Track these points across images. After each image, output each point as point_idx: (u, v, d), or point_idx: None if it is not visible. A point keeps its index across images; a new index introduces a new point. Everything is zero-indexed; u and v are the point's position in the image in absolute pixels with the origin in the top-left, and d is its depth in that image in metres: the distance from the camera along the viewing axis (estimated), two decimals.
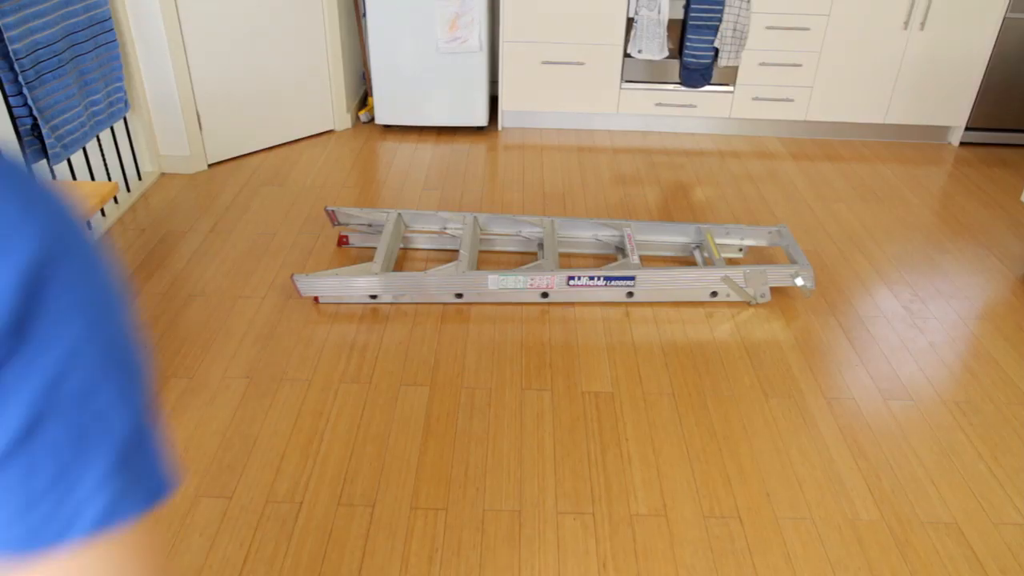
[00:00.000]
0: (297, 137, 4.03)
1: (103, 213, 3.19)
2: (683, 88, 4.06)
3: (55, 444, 0.35)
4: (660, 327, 2.62)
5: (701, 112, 4.13)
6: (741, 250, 3.05)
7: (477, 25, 3.81)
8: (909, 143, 4.26)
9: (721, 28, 3.84)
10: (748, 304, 2.75)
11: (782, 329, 2.63)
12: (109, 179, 3.25)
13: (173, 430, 2.16)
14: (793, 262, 2.77)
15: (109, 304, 0.38)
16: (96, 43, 3.01)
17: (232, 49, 3.59)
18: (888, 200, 3.58)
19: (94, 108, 3.01)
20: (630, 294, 2.71)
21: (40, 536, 0.35)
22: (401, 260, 3.00)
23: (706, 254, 2.89)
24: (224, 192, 3.47)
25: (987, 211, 3.51)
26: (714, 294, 2.74)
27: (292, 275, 2.70)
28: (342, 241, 3.06)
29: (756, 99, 4.08)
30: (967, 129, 4.18)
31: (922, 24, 3.87)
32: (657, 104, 4.11)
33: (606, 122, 4.27)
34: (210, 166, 3.72)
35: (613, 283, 2.68)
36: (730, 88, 4.06)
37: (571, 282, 2.66)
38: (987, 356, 2.53)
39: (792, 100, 4.08)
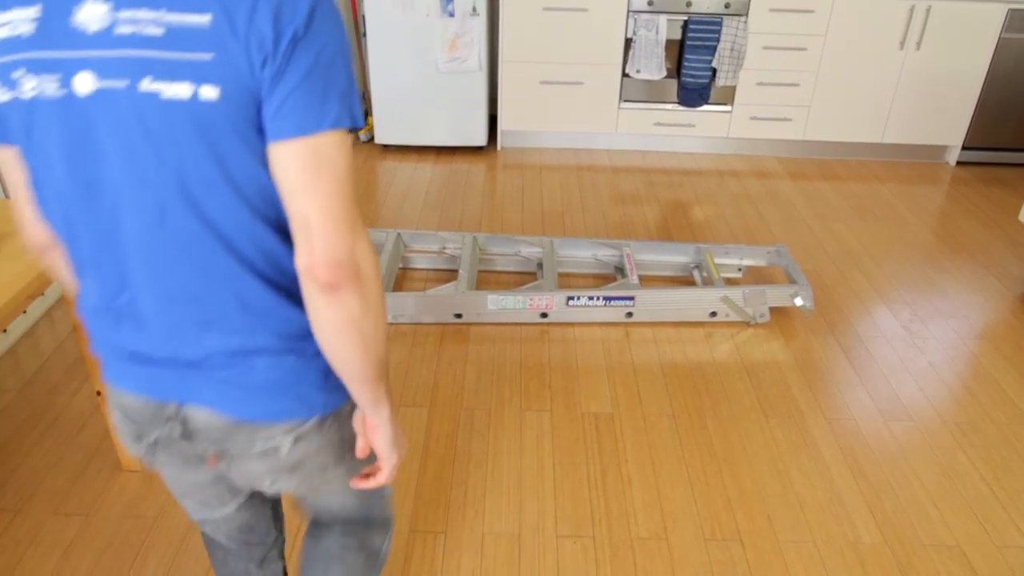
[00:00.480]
0: None
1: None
2: (681, 108, 4.07)
3: (319, 80, 0.81)
4: (660, 347, 2.62)
5: (699, 131, 4.15)
6: (740, 270, 3.05)
7: (477, 45, 3.83)
8: (906, 162, 4.27)
9: (719, 48, 3.86)
10: (747, 324, 2.75)
11: (781, 349, 2.63)
12: None
13: None
14: (792, 282, 2.78)
15: (341, 24, 0.84)
16: None
17: None
18: (886, 219, 3.59)
19: None
20: (629, 314, 2.70)
21: (313, 124, 0.81)
22: (400, 280, 2.99)
23: (705, 274, 2.89)
24: None
25: (985, 230, 3.52)
26: (713, 314, 2.74)
27: None
28: None
29: (754, 118, 4.10)
30: (964, 148, 4.21)
31: (918, 44, 3.90)
32: (656, 123, 4.12)
33: (605, 141, 4.29)
34: None
35: (612, 303, 2.68)
36: (728, 108, 4.08)
37: (570, 302, 2.66)
38: (987, 376, 2.53)
39: (790, 120, 4.10)
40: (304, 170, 0.82)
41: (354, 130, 0.87)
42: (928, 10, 3.81)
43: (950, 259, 3.26)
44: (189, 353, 0.95)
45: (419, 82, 3.94)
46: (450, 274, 3.02)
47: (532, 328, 2.70)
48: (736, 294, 2.69)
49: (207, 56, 0.78)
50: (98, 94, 0.81)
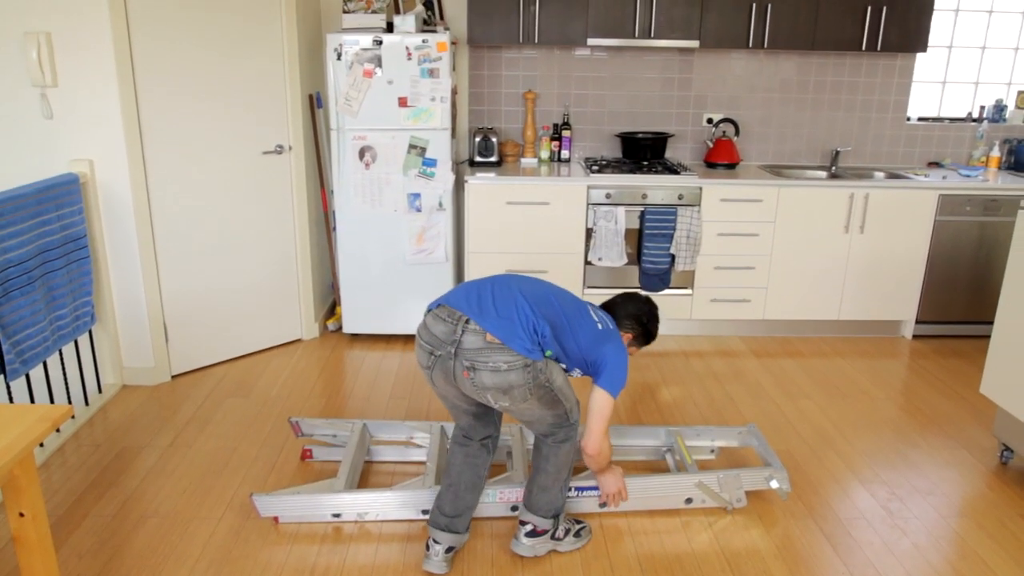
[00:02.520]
0: (265, 346, 4.04)
1: (58, 429, 3.09)
2: (644, 292, 4.20)
3: (610, 375, 2.25)
4: (635, 539, 2.51)
5: (662, 314, 4.25)
6: (713, 451, 3.01)
7: (443, 238, 3.98)
8: (865, 337, 4.39)
9: (675, 236, 4.05)
10: (725, 510, 2.67)
11: (762, 537, 2.54)
12: (68, 391, 3.18)
13: None
14: (766, 464, 2.74)
15: None
16: (68, 259, 3.07)
17: (203, 262, 3.67)
18: (852, 395, 3.63)
19: (59, 323, 3.01)
20: (603, 504, 2.62)
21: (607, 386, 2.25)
22: (366, 474, 2.90)
23: (678, 458, 2.85)
24: (186, 405, 3.40)
25: (950, 403, 3.56)
26: (689, 500, 2.66)
27: (251, 494, 2.58)
28: (305, 455, 2.96)
29: (714, 300, 4.23)
30: (918, 322, 4.35)
31: (861, 228, 4.14)
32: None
33: None
34: (174, 377, 3.67)
35: (584, 493, 2.61)
36: (689, 291, 4.22)
37: None
38: (974, 556, 2.45)
39: (749, 300, 4.24)
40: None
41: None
42: (867, 197, 4.08)
43: (920, 434, 3.26)
44: None
45: (387, 273, 4.04)
46: (419, 466, 2.93)
47: (503, 523, 2.59)
48: (711, 479, 2.64)
49: None
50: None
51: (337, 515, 2.56)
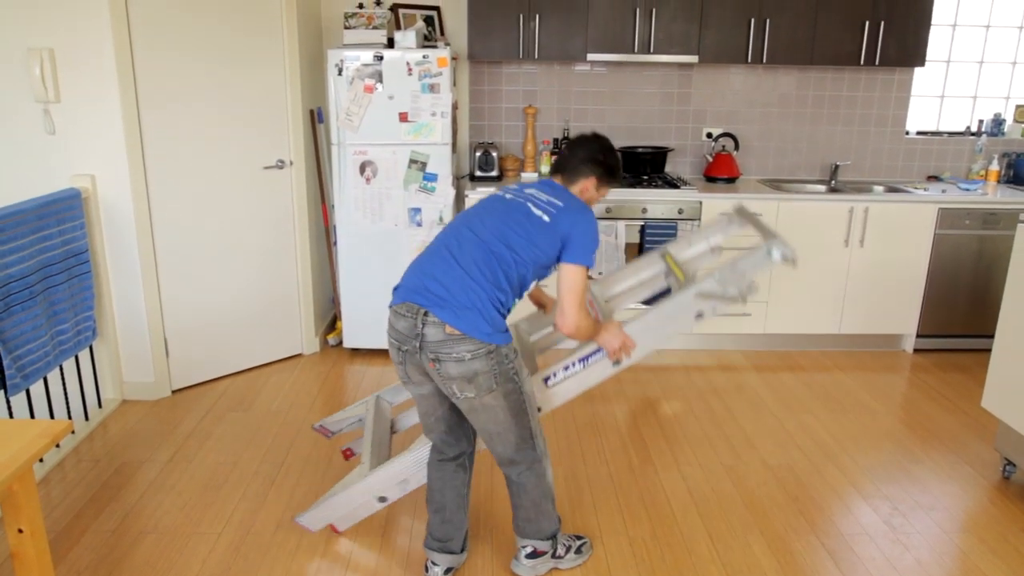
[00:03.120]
0: (265, 361, 4.04)
1: (57, 444, 3.08)
2: (644, 307, 4.20)
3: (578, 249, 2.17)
4: (636, 553, 2.50)
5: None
6: (714, 250, 2.85)
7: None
8: (866, 351, 4.38)
9: None
10: (742, 303, 2.46)
11: (764, 552, 2.53)
12: (68, 405, 3.18)
13: None
14: (765, 236, 2.52)
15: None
16: (70, 274, 3.07)
17: (204, 278, 3.68)
18: (853, 409, 3.62)
19: (61, 338, 3.01)
20: (617, 362, 2.44)
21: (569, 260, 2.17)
22: (399, 445, 2.87)
23: (672, 280, 2.68)
24: (187, 419, 3.40)
25: (952, 417, 3.55)
26: (700, 315, 2.48)
27: (294, 519, 2.54)
28: (347, 455, 2.91)
29: (715, 314, 4.22)
30: (919, 336, 4.34)
31: (861, 241, 4.14)
32: (621, 322, 4.22)
33: (571, 341, 4.35)
34: (175, 392, 3.67)
35: (592, 360, 2.43)
36: None
37: (549, 383, 2.43)
38: (977, 571, 2.44)
39: (750, 314, 4.24)
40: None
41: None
42: (866, 210, 4.09)
43: (922, 448, 3.25)
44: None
45: (388, 287, 4.05)
46: None
47: (504, 538, 2.58)
48: (709, 283, 2.43)
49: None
50: (512, 200, 2.25)
51: (383, 498, 2.48)
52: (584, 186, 2.30)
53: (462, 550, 2.39)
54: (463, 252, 2.13)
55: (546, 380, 2.43)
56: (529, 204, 2.20)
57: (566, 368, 2.42)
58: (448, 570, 2.35)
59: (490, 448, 2.24)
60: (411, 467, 2.44)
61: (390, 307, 2.17)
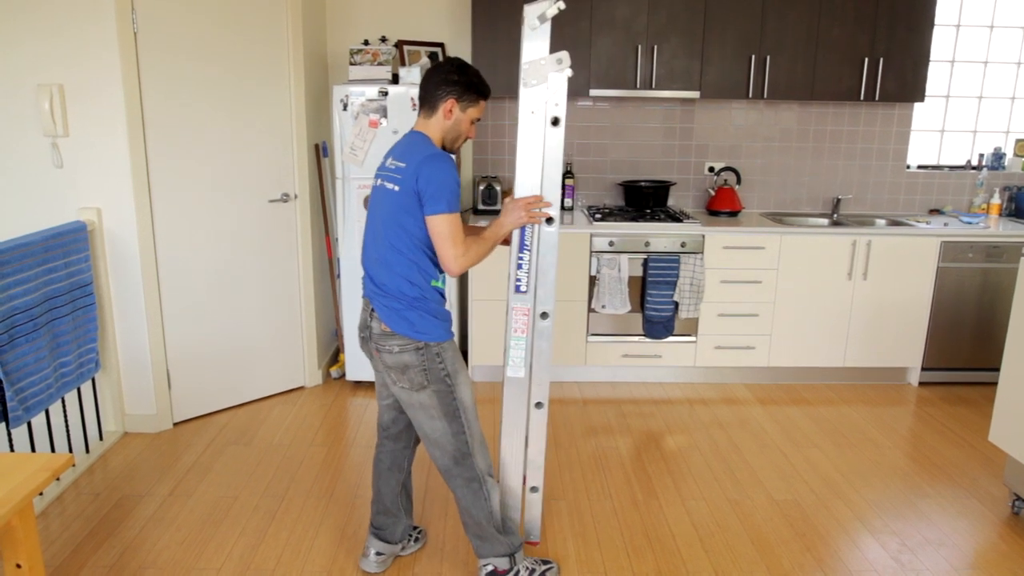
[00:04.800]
0: (268, 394, 4.02)
1: (58, 477, 3.06)
2: (648, 340, 4.19)
3: (434, 197, 2.14)
4: None
5: (667, 362, 4.24)
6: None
7: (447, 285, 3.99)
8: (870, 384, 4.36)
9: (679, 283, 4.06)
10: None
11: None
12: (69, 437, 3.16)
13: None
14: None
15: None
16: (74, 306, 3.08)
17: (208, 309, 3.68)
18: (859, 444, 3.59)
19: (63, 370, 3.01)
20: (549, 220, 2.31)
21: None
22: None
23: None
24: (187, 453, 3.38)
25: (958, 451, 3.52)
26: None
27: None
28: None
29: (719, 348, 4.22)
30: (924, 369, 4.32)
31: (864, 275, 4.14)
32: (624, 355, 4.22)
33: (575, 374, 4.35)
34: (176, 424, 3.65)
35: (524, 249, 2.22)
36: (692, 338, 4.21)
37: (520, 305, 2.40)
38: None
39: (753, 348, 4.23)
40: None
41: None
42: (869, 244, 4.10)
43: (930, 483, 3.22)
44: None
45: None
46: None
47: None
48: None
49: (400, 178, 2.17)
50: (379, 186, 2.26)
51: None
52: (447, 109, 2.22)
53: (399, 541, 2.55)
54: (376, 252, 2.25)
55: (543, 316, 2.36)
56: (385, 183, 2.23)
57: (517, 281, 2.32)
58: (379, 554, 2.51)
59: (430, 455, 2.34)
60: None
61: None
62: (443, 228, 2.13)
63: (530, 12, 2.16)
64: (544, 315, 2.36)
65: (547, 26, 2.18)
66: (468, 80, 2.22)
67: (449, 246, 2.14)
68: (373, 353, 2.30)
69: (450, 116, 2.23)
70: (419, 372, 2.21)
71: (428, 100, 2.24)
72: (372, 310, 2.25)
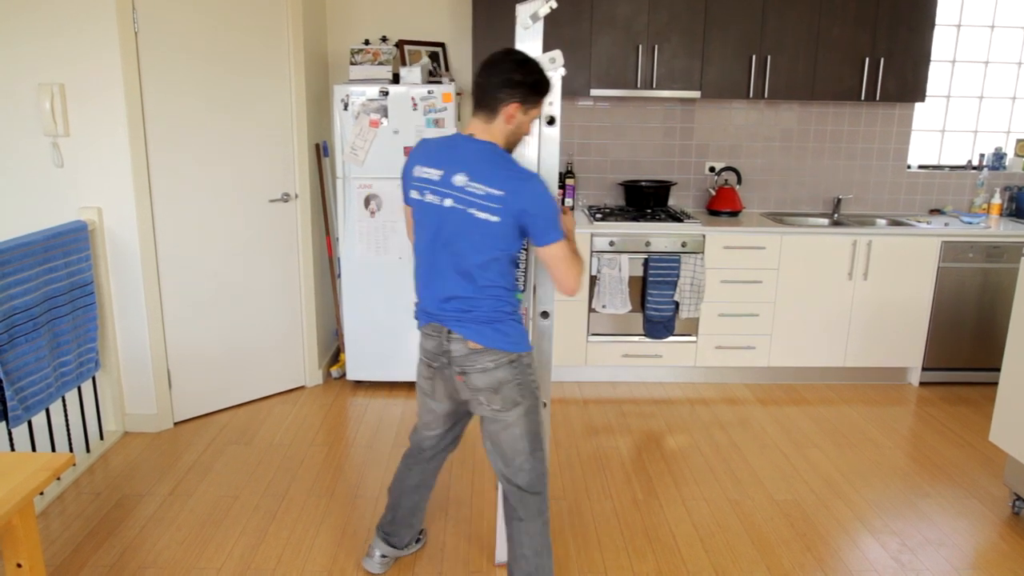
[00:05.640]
0: (268, 393, 4.03)
1: (58, 477, 3.06)
2: (648, 339, 4.19)
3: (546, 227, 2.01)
4: None
5: (667, 361, 4.24)
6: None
7: None
8: (871, 384, 4.36)
9: (679, 283, 4.06)
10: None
11: None
12: (69, 437, 3.16)
13: None
14: None
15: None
16: (74, 306, 3.08)
17: (208, 309, 3.68)
18: (859, 444, 3.59)
19: (63, 369, 3.01)
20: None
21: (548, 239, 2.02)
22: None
23: None
24: (188, 452, 3.38)
25: (959, 451, 3.52)
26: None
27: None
28: None
29: (719, 347, 4.22)
30: (924, 369, 4.32)
31: (865, 275, 4.14)
32: (624, 355, 4.22)
33: (575, 374, 4.35)
34: (176, 424, 3.65)
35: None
36: (693, 338, 4.21)
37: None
38: None
39: (754, 348, 4.23)
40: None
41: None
42: (869, 244, 4.09)
43: (930, 483, 3.22)
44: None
45: (391, 320, 4.05)
46: None
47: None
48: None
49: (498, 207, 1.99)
50: (452, 208, 2.03)
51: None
52: (509, 114, 2.03)
53: (405, 547, 2.57)
54: (453, 271, 2.08)
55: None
56: (471, 210, 2.00)
57: (516, 281, 2.26)
58: (384, 556, 2.53)
59: (501, 478, 2.21)
60: None
61: (419, 328, 2.24)
62: (557, 255, 2.02)
63: (522, 11, 2.16)
64: (544, 315, 2.36)
65: (539, 25, 2.18)
66: (533, 80, 2.02)
67: (565, 267, 2.03)
68: (455, 378, 2.15)
69: (512, 121, 2.05)
70: (513, 387, 2.11)
71: (486, 102, 2.03)
72: (449, 331, 2.11)
